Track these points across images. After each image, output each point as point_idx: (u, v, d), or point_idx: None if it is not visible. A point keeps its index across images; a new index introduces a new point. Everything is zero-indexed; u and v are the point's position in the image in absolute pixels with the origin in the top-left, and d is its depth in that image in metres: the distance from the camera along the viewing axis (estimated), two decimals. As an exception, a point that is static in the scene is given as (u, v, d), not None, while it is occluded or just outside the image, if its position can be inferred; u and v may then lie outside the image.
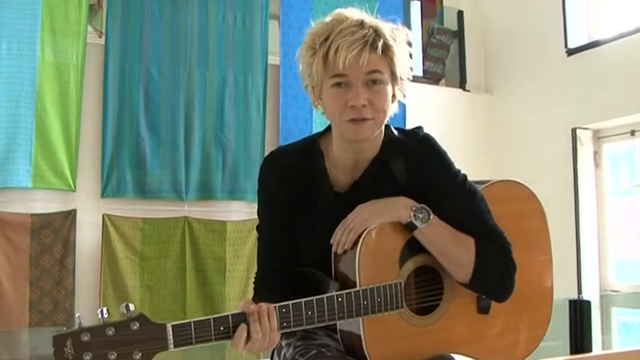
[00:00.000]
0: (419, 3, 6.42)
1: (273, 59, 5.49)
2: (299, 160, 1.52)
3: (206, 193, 5.14)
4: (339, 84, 1.41)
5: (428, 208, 1.43)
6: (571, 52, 5.70)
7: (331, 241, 1.45)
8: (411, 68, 1.49)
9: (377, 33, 1.40)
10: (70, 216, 4.70)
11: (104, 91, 4.88)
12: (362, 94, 1.39)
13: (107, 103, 4.87)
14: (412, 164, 1.50)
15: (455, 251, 1.43)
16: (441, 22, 6.59)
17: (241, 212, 5.17)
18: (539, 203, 1.65)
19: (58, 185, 4.69)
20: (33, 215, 4.58)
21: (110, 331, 1.23)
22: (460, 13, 6.60)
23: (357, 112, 1.40)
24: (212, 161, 5.16)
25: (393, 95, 1.46)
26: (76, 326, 1.23)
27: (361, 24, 1.39)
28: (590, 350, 3.12)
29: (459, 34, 6.57)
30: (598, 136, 5.70)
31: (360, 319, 1.38)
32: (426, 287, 1.51)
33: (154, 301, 4.84)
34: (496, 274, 1.45)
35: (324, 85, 1.44)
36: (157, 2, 5.08)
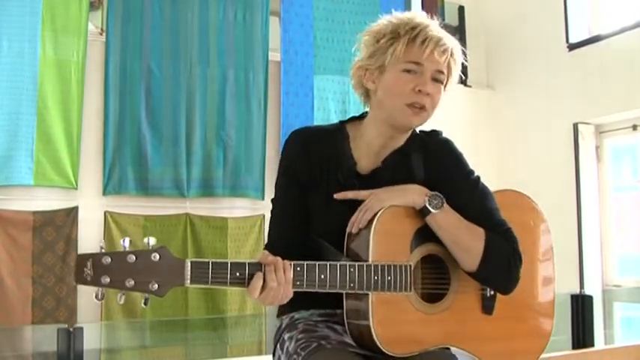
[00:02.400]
0: (420, -2, 6.42)
1: (274, 56, 5.48)
2: (325, 138, 1.61)
3: (207, 189, 5.14)
4: (409, 70, 1.53)
5: (441, 196, 1.50)
6: (572, 46, 5.68)
7: (349, 223, 1.50)
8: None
9: (453, 44, 1.59)
10: (71, 213, 4.70)
11: (105, 88, 4.88)
12: (429, 85, 1.53)
13: (108, 101, 4.88)
14: (430, 159, 1.61)
15: (465, 239, 1.49)
16: (442, 17, 6.58)
17: (243, 209, 5.17)
18: (542, 215, 1.68)
19: (60, 183, 4.69)
20: (35, 213, 4.59)
21: (131, 259, 1.25)
22: (461, 9, 6.59)
23: (421, 98, 1.52)
24: (213, 158, 5.16)
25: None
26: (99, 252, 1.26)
27: (439, 29, 1.58)
28: (592, 345, 3.12)
29: (460, 30, 6.55)
30: (600, 131, 5.69)
31: (370, 296, 1.42)
32: (433, 276, 1.54)
33: (156, 298, 4.83)
34: (503, 264, 1.48)
35: (392, 69, 1.54)
36: (158, -1, 5.08)
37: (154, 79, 5.03)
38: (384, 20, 1.58)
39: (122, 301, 1.30)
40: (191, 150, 5.09)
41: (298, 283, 1.38)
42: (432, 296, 1.52)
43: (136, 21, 5.00)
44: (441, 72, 1.55)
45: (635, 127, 5.40)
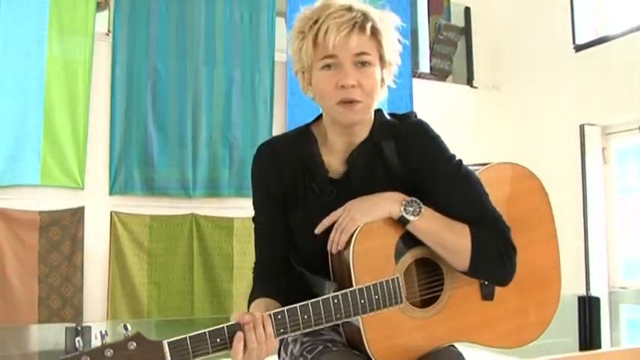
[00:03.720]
0: (426, 0, 6.41)
1: (280, 56, 5.48)
2: (292, 147, 1.52)
3: (213, 190, 5.16)
4: (328, 65, 1.42)
5: (418, 201, 1.42)
6: (579, 48, 5.68)
7: (328, 242, 1.43)
8: (417, 72, 1.51)
9: (365, 16, 1.41)
10: (78, 213, 4.72)
11: (112, 88, 4.90)
12: (351, 74, 1.40)
13: (115, 101, 4.89)
14: (403, 146, 1.49)
15: (450, 240, 1.42)
16: (448, 18, 6.58)
17: (248, 209, 5.08)
18: (539, 180, 1.61)
19: (66, 183, 4.71)
20: (41, 212, 4.60)
21: (109, 353, 1.23)
22: (467, 10, 6.58)
23: (347, 92, 1.40)
24: (219, 158, 5.18)
25: (382, 80, 1.47)
26: (79, 346, 1.26)
27: (349, 8, 1.41)
28: (599, 347, 3.11)
29: (466, 31, 6.55)
30: (606, 132, 5.68)
31: (360, 318, 1.37)
32: (427, 279, 1.49)
33: (162, 297, 4.86)
34: (495, 258, 1.43)
35: (314, 69, 1.44)
36: (164, 0, 5.09)
37: (161, 80, 5.04)
38: (297, 17, 1.46)
39: None
40: (197, 150, 5.10)
41: (282, 330, 1.32)
42: (431, 299, 1.49)
43: (142, 21, 5.02)
44: (362, 53, 1.40)
45: (641, 129, 5.38)
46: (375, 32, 1.42)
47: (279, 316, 1.32)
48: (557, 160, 5.66)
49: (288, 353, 1.52)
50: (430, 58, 6.31)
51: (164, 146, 5.02)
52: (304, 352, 1.45)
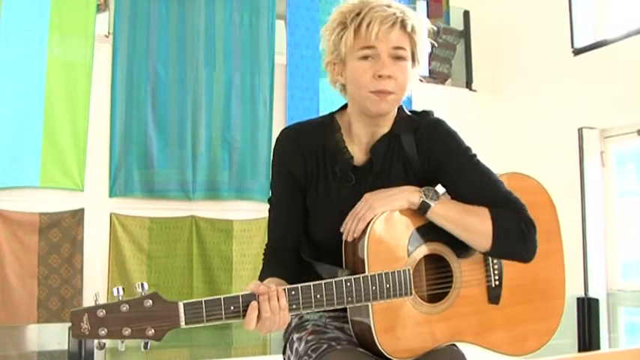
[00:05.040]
0: (425, 3, 6.43)
1: (280, 59, 5.50)
2: (316, 133, 1.57)
3: (213, 192, 5.16)
4: (366, 57, 1.48)
5: (434, 189, 1.48)
6: (577, 51, 5.69)
7: (341, 229, 1.48)
8: (428, 55, 1.59)
9: (405, 14, 1.48)
10: (77, 215, 4.73)
11: (112, 90, 4.91)
12: (388, 66, 1.47)
13: (115, 103, 4.90)
14: (422, 141, 1.56)
15: (471, 222, 1.47)
16: (447, 21, 6.60)
17: (248, 211, 5.19)
18: (548, 195, 1.65)
19: (66, 184, 4.71)
20: (41, 214, 4.61)
21: (125, 308, 1.28)
22: (466, 13, 6.60)
23: (383, 83, 1.47)
24: (219, 160, 5.19)
25: (411, 78, 1.54)
26: (93, 304, 1.28)
27: (389, 5, 1.49)
28: (598, 348, 3.12)
29: (465, 34, 6.57)
30: (605, 136, 5.69)
31: (370, 306, 1.41)
32: (436, 276, 1.53)
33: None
34: (516, 234, 1.47)
35: (351, 59, 1.50)
36: (164, 2, 5.11)
37: (161, 82, 5.05)
38: (336, 12, 1.53)
39: (123, 349, 1.32)
40: (197, 152, 5.11)
41: (294, 306, 1.37)
42: (438, 295, 1.52)
43: (142, 24, 5.03)
44: (400, 47, 1.48)
45: (639, 132, 5.40)
46: (412, 30, 1.49)
47: (293, 292, 1.37)
48: (555, 163, 5.67)
49: (294, 351, 1.54)
50: (429, 61, 6.33)
51: (164, 148, 5.03)
52: (309, 351, 1.47)
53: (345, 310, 1.49)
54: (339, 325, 1.55)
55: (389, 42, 1.46)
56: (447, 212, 1.46)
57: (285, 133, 1.59)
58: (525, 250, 1.49)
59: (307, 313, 1.59)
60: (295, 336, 1.56)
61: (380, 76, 1.46)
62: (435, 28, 6.40)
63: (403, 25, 1.47)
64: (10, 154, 4.53)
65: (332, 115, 1.62)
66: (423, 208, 1.46)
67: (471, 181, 1.51)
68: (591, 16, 5.78)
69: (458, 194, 1.50)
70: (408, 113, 1.61)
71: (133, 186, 4.93)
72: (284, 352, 1.61)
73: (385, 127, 1.56)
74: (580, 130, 5.59)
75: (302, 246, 1.57)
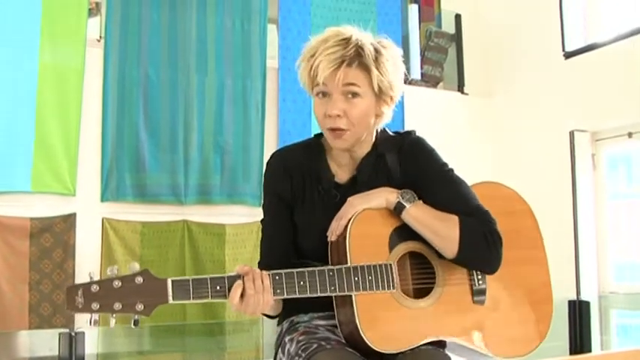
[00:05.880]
0: (417, 6, 6.44)
1: (272, 63, 5.51)
2: (303, 155, 1.67)
3: (205, 196, 5.15)
4: (321, 93, 1.56)
5: (412, 192, 1.56)
6: (568, 55, 5.72)
7: (327, 234, 1.56)
8: (408, 79, 1.63)
9: (358, 52, 1.52)
10: (69, 220, 4.71)
11: (103, 94, 4.89)
12: (337, 105, 1.53)
13: (106, 107, 4.89)
14: (404, 159, 1.64)
15: (440, 227, 1.53)
16: (439, 25, 6.61)
17: (240, 215, 5.18)
18: (526, 203, 1.71)
19: (58, 189, 4.69)
20: (32, 219, 4.59)
21: (117, 283, 1.38)
22: (458, 17, 6.62)
23: (332, 121, 1.54)
24: (211, 165, 5.18)
25: (379, 110, 1.60)
26: (92, 276, 1.40)
27: (347, 41, 1.53)
28: (589, 351, 3.13)
29: (457, 38, 6.59)
30: (596, 139, 5.72)
31: (354, 301, 1.46)
32: (419, 273, 1.58)
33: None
34: (482, 245, 1.53)
35: (312, 93, 1.60)
36: (156, 7, 5.10)
37: (152, 86, 5.04)
38: (306, 44, 1.60)
39: (113, 324, 1.44)
40: (189, 157, 5.10)
41: (278, 291, 1.44)
42: (422, 292, 1.56)
43: (134, 28, 5.02)
44: (350, 84, 1.53)
45: (630, 135, 5.43)
46: (366, 66, 1.53)
47: (277, 277, 1.45)
48: (547, 165, 5.70)
49: (285, 352, 1.59)
50: (421, 64, 6.34)
51: (156, 153, 5.02)
52: (299, 351, 1.52)
53: (334, 313, 1.54)
54: (330, 327, 1.60)
55: (338, 81, 1.52)
56: (419, 215, 1.54)
57: (274, 156, 1.71)
58: (489, 260, 1.55)
59: (298, 316, 1.65)
60: (287, 338, 1.61)
61: (329, 115, 1.53)
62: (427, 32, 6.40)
63: (350, 64, 1.52)
64: (0, 159, 4.50)
65: (318, 137, 1.70)
66: (398, 208, 1.54)
67: (444, 193, 1.58)
68: (582, 19, 5.82)
69: (432, 205, 1.56)
70: (391, 134, 1.69)
71: (124, 190, 4.91)
72: (275, 356, 1.65)
73: (362, 151, 1.64)
74: (571, 133, 5.62)
75: (292, 258, 1.63)
